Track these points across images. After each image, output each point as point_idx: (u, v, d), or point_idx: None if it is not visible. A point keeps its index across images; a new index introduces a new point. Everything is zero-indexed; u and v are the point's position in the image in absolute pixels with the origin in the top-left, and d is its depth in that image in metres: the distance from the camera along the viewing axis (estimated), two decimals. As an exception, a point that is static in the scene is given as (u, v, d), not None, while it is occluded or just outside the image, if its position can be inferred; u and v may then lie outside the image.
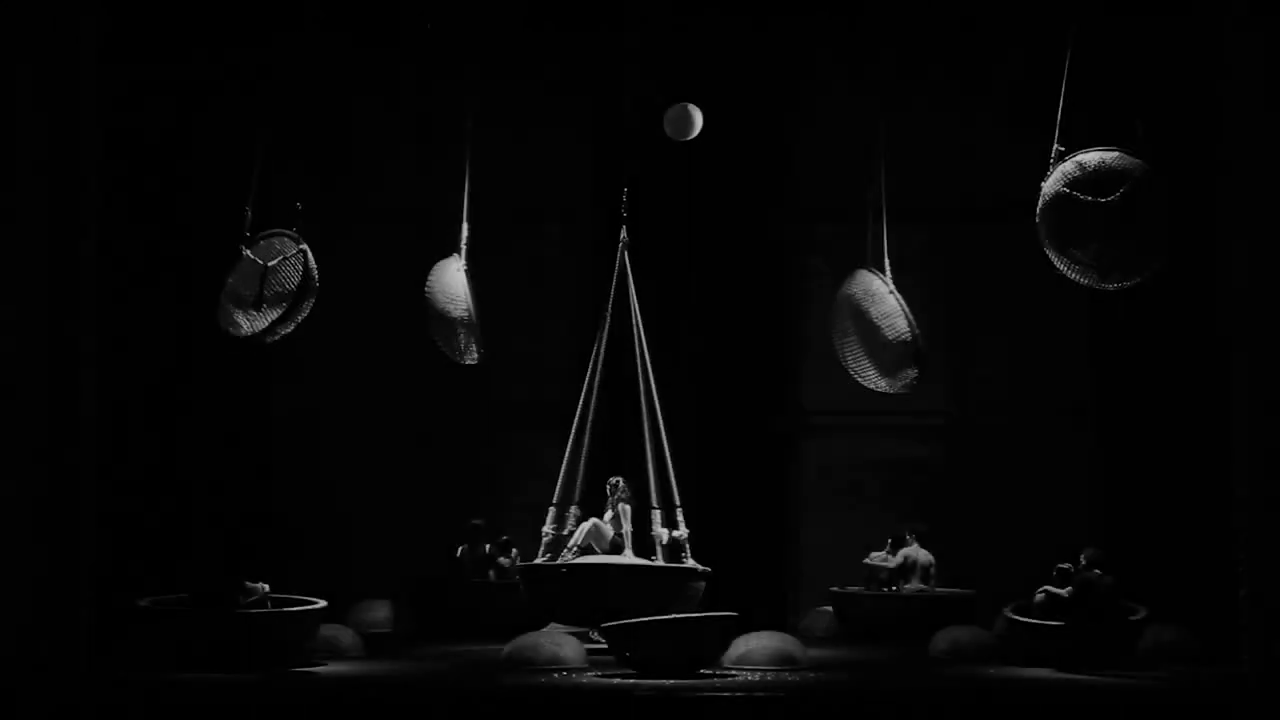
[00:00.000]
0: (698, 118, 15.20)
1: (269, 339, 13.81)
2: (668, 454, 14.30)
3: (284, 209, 14.41)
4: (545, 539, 14.38)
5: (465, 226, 14.63)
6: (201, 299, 16.01)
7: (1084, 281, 12.37)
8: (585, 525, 14.46)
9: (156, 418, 15.76)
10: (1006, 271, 16.96)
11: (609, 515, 14.53)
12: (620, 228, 14.68)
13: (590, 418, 14.56)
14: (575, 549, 14.35)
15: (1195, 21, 13.79)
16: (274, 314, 13.54)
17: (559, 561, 14.13)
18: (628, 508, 14.42)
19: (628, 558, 14.17)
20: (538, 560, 14.32)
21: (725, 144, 16.54)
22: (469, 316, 14.44)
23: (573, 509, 14.47)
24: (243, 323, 13.69)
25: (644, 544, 14.42)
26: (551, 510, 14.47)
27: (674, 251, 17.06)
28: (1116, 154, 12.23)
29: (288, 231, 14.07)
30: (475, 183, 15.02)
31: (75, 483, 11.71)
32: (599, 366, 14.64)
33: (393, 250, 17.34)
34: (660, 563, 14.08)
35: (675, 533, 14.17)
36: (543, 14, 15.92)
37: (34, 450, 11.55)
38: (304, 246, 13.73)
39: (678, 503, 14.24)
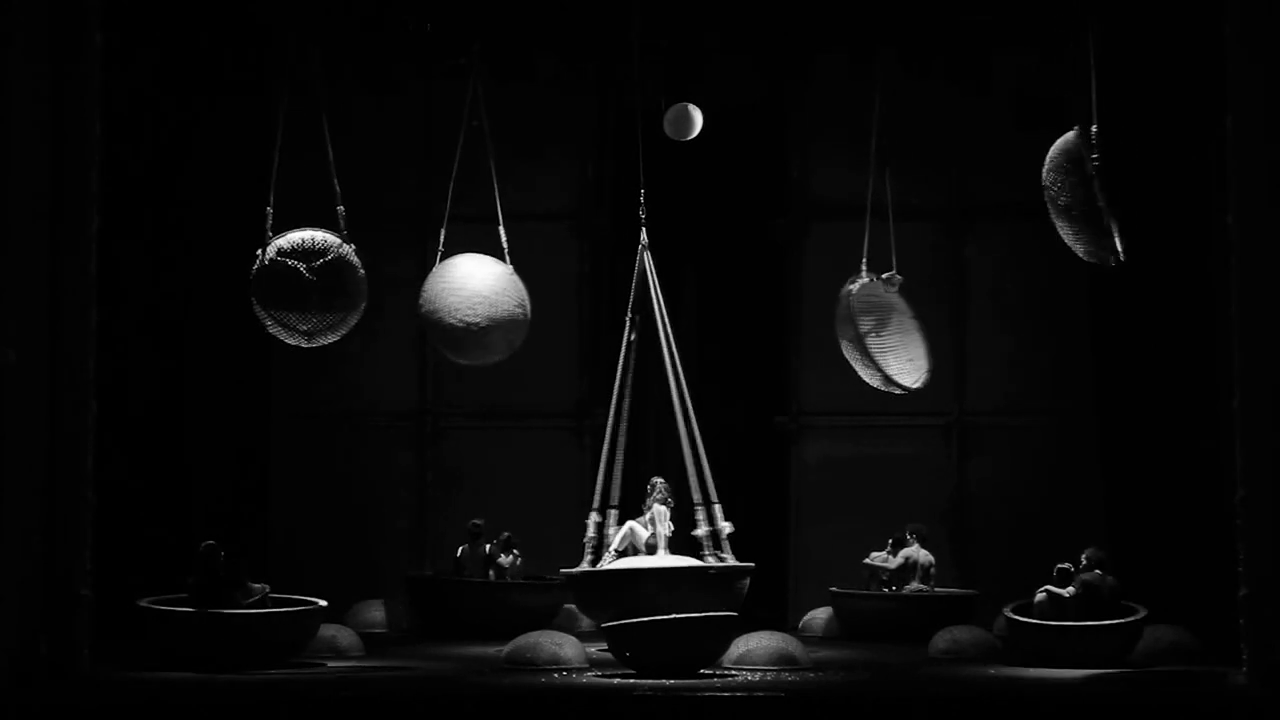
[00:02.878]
0: (698, 118, 15.20)
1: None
2: (703, 452, 14.13)
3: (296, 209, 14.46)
4: (589, 543, 14.16)
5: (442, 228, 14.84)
6: (202, 298, 16.06)
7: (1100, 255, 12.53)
8: (622, 529, 14.21)
9: (157, 418, 15.77)
10: (1007, 271, 16.98)
11: (647, 516, 14.28)
12: (640, 230, 14.54)
13: (624, 420, 14.35)
14: (614, 553, 14.16)
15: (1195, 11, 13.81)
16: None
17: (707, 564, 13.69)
18: (665, 509, 14.25)
19: (666, 559, 13.94)
20: (585, 565, 14.08)
21: (725, 144, 16.55)
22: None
23: (593, 515, 14.28)
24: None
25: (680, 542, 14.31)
26: (593, 515, 14.24)
27: (674, 252, 17.06)
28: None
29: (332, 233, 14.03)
30: (480, 183, 15.09)
31: (75, 483, 11.70)
32: (629, 369, 14.45)
33: (394, 251, 17.35)
34: (708, 562, 13.87)
35: (722, 527, 13.99)
36: (544, 15, 15.89)
37: (34, 450, 11.55)
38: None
39: (715, 499, 14.09)
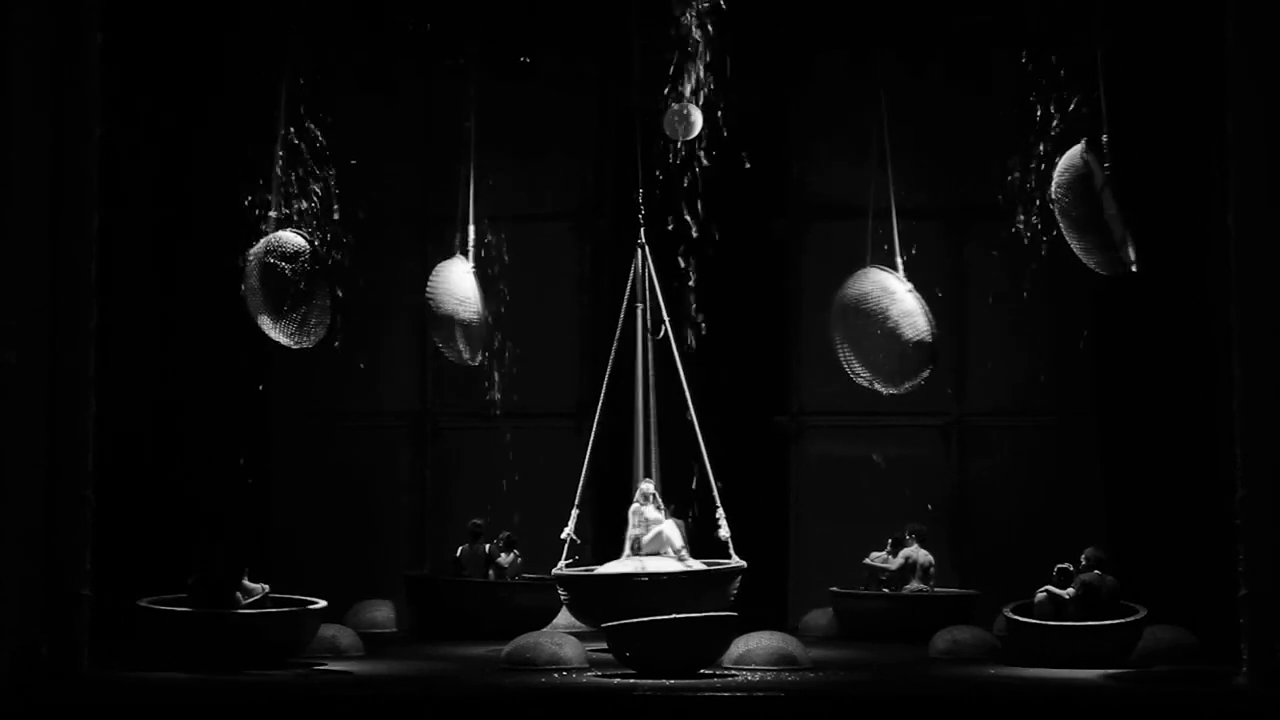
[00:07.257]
0: (698, 118, 15.19)
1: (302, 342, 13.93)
2: (706, 456, 14.20)
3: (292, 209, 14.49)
4: (630, 540, 14.24)
5: (471, 229, 14.74)
6: (202, 298, 16.06)
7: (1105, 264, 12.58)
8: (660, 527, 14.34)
9: (156, 418, 15.77)
10: (1007, 270, 16.96)
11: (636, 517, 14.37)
12: (639, 229, 14.58)
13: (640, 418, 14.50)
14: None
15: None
16: (295, 318, 13.72)
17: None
18: (643, 510, 14.30)
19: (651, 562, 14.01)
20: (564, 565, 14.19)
21: (725, 144, 16.53)
22: (477, 318, 14.55)
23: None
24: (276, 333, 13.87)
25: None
26: (633, 511, 14.32)
27: (674, 251, 17.05)
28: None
29: (301, 232, 14.18)
30: (479, 184, 15.10)
31: (75, 483, 11.71)
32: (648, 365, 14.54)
33: (393, 251, 17.36)
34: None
35: (722, 532, 14.13)
36: (545, 15, 15.91)
37: (34, 450, 11.56)
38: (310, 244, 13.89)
39: (719, 503, 14.20)
